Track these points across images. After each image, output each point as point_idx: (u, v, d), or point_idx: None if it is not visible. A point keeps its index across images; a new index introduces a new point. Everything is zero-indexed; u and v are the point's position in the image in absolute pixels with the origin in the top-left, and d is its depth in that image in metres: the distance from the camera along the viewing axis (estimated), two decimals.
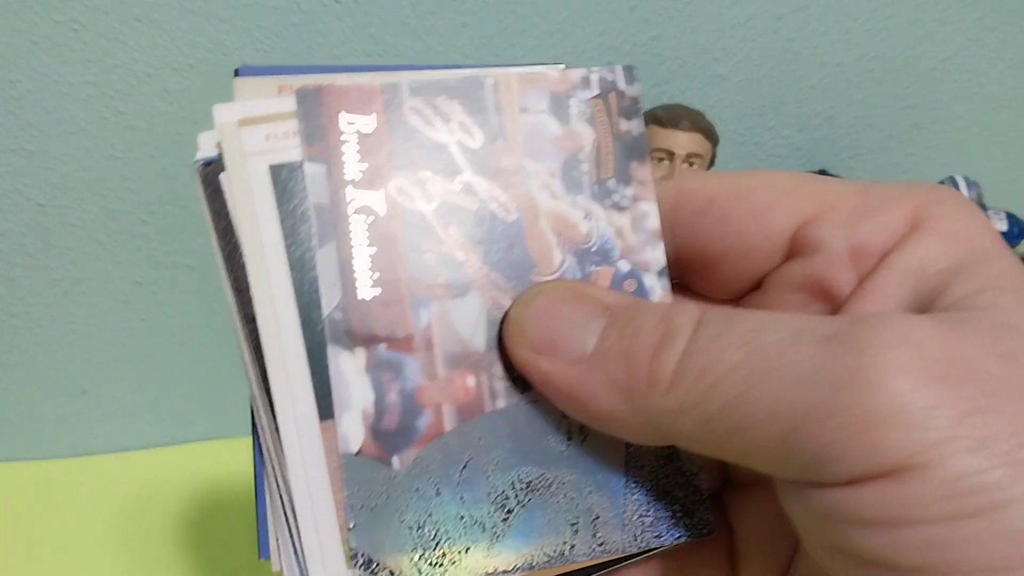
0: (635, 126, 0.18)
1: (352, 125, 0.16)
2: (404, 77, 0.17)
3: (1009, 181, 0.69)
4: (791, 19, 0.60)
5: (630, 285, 0.17)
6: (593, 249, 0.17)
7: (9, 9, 0.47)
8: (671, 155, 0.53)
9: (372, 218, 0.16)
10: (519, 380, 0.16)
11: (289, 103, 0.16)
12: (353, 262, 0.16)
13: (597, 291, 0.16)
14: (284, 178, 0.16)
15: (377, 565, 0.15)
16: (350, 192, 0.16)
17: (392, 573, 0.15)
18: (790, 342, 0.13)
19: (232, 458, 0.55)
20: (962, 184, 0.54)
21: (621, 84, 0.18)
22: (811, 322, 0.13)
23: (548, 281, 0.17)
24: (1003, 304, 0.13)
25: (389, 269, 0.16)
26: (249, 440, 0.17)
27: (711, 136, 0.55)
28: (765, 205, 0.16)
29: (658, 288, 0.18)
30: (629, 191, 0.18)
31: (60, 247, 0.52)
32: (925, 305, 0.14)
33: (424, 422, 0.16)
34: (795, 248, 0.16)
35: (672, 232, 0.18)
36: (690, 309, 0.15)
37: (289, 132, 0.16)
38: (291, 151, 0.16)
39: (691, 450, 0.15)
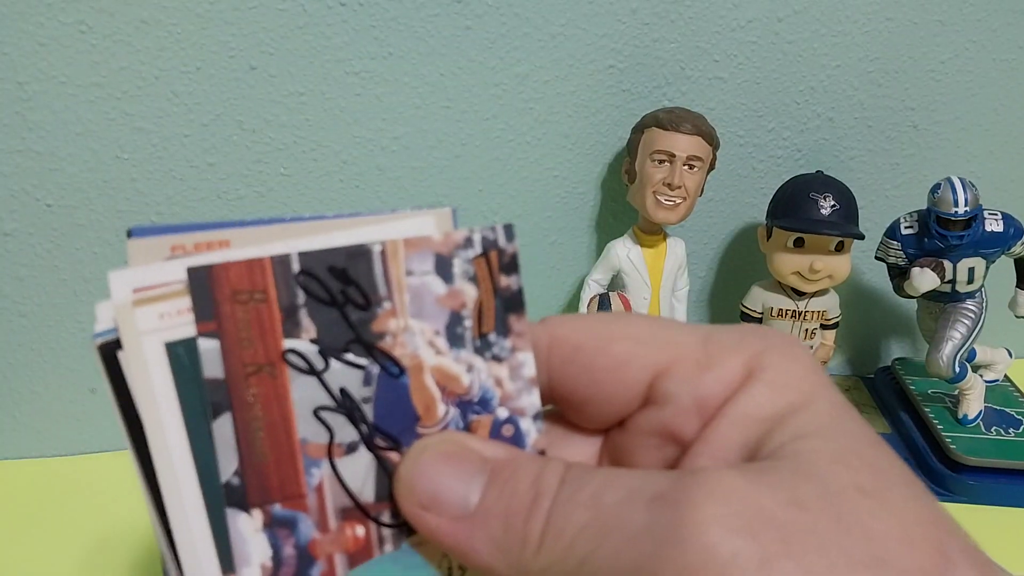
0: (513, 281, 0.19)
1: (246, 297, 0.17)
2: (293, 246, 0.18)
3: (1006, 182, 0.69)
4: (791, 21, 0.60)
5: (507, 430, 0.19)
6: (475, 400, 0.19)
7: (16, 11, 0.47)
8: (672, 157, 0.54)
9: (264, 387, 0.17)
10: (405, 525, 0.18)
11: (179, 273, 0.17)
12: (249, 430, 0.17)
13: (478, 444, 0.18)
14: (178, 354, 0.17)
15: None
16: (244, 363, 0.17)
17: None
18: (625, 502, 0.15)
19: None
20: (959, 185, 0.55)
21: (501, 242, 0.19)
22: (643, 481, 0.15)
23: (433, 436, 0.18)
24: (806, 451, 0.15)
25: (282, 434, 0.17)
26: None
27: (712, 140, 0.55)
28: (623, 358, 0.18)
29: (532, 431, 0.19)
30: (508, 343, 0.19)
31: (68, 247, 0.53)
32: (753, 450, 0.16)
33: (317, 571, 0.18)
34: (650, 397, 0.18)
35: (547, 373, 0.19)
36: (556, 468, 0.17)
37: (182, 309, 0.17)
38: (185, 327, 0.17)
39: None
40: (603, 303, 0.56)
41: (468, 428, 0.19)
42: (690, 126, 0.54)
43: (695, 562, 0.14)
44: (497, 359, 0.19)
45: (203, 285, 0.17)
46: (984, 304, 0.60)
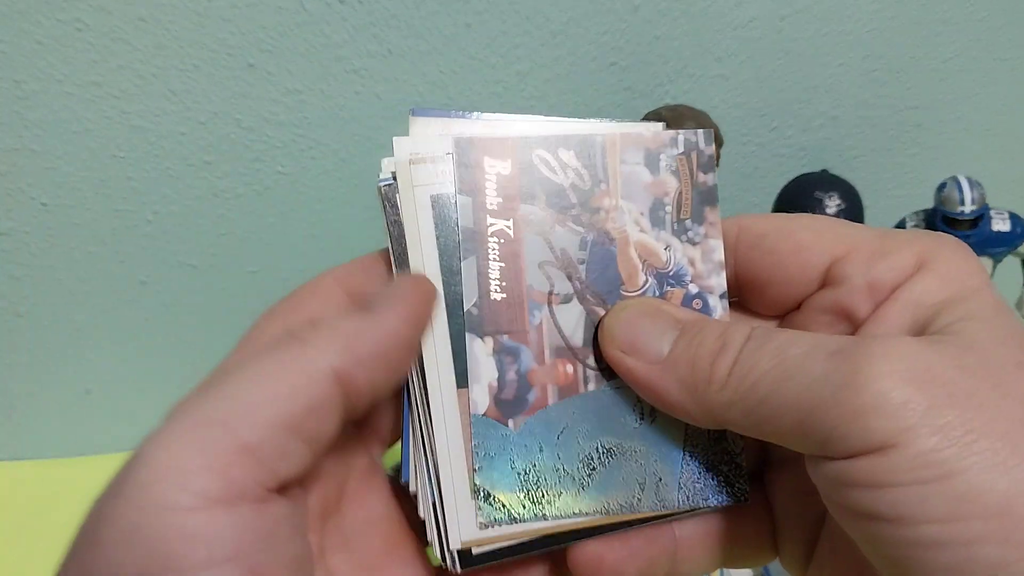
0: (710, 179, 0.23)
1: (493, 168, 0.22)
2: (535, 128, 0.22)
3: (1012, 181, 0.69)
4: (794, 20, 0.60)
5: (697, 304, 0.22)
6: (670, 273, 0.22)
7: (14, 9, 0.47)
8: None
9: (503, 240, 0.21)
10: (607, 371, 0.21)
11: (447, 145, 0.21)
12: (488, 272, 0.21)
13: (672, 308, 0.21)
14: (441, 205, 0.21)
15: (492, 497, 0.21)
16: (489, 219, 0.21)
17: (504, 504, 0.21)
18: (807, 355, 0.17)
19: None
20: (965, 184, 0.54)
21: (701, 144, 0.23)
22: (825, 340, 0.17)
23: (634, 297, 0.22)
24: (971, 331, 0.17)
25: (513, 279, 0.21)
26: None
27: (715, 137, 0.55)
28: (805, 243, 0.21)
29: (719, 308, 0.22)
30: (702, 230, 0.22)
31: (64, 247, 0.52)
32: (919, 330, 0.18)
33: (533, 396, 0.21)
34: (827, 280, 0.21)
35: (732, 260, 0.22)
36: (742, 328, 0.19)
37: (446, 171, 0.21)
38: (447, 185, 0.21)
39: (737, 432, 0.20)
40: None
41: (663, 297, 0.22)
42: (693, 124, 0.53)
43: (868, 405, 0.16)
44: (692, 242, 0.22)
45: (464, 152, 0.21)
46: None
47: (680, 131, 0.22)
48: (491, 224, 0.21)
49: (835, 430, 0.16)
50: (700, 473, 0.21)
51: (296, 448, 0.17)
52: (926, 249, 0.19)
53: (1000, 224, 0.56)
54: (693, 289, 0.22)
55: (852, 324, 0.20)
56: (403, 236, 0.21)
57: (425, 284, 0.20)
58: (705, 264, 0.22)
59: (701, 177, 0.23)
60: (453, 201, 0.21)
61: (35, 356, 0.55)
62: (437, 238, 0.21)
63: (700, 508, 0.21)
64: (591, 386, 0.22)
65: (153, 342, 0.56)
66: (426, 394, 0.21)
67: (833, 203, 0.56)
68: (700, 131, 0.22)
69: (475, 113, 0.22)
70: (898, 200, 0.67)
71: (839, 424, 0.16)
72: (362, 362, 0.18)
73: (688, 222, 0.22)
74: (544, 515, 0.21)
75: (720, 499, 0.21)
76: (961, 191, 0.54)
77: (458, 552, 0.20)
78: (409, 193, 0.21)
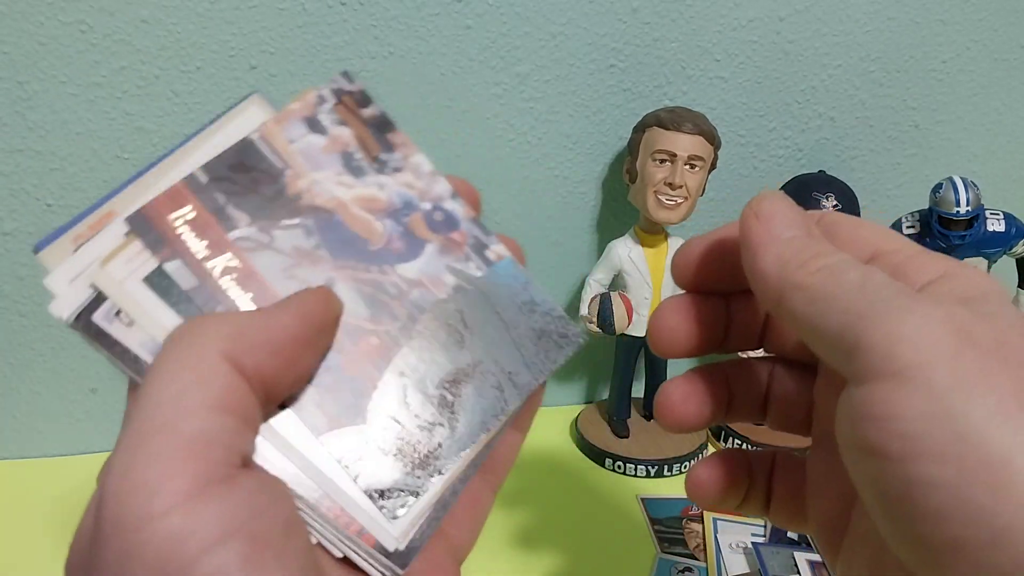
0: (374, 109, 0.23)
1: (179, 218, 0.21)
2: (183, 165, 0.21)
3: (1008, 182, 0.69)
4: (792, 21, 0.60)
5: (438, 216, 0.23)
6: (399, 207, 0.23)
7: (17, 10, 0.47)
8: (673, 157, 0.54)
9: (235, 273, 0.21)
10: (410, 314, 0.22)
11: (121, 228, 0.20)
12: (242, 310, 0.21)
13: (811, 219, 0.22)
14: (157, 282, 0.20)
15: (386, 493, 0.21)
16: (208, 265, 0.21)
17: (400, 490, 0.21)
18: (884, 285, 0.18)
19: None
20: (961, 185, 0.55)
21: (347, 87, 0.23)
22: (902, 285, 0.19)
23: (775, 193, 0.22)
24: (1004, 314, 0.18)
25: (270, 301, 0.20)
26: None
27: (713, 139, 0.55)
28: (858, 239, 0.22)
29: (458, 208, 0.23)
30: (397, 155, 0.23)
31: None
32: None
33: (360, 383, 0.21)
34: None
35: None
36: (830, 250, 0.21)
37: (140, 250, 0.20)
38: (150, 262, 0.20)
39: (788, 326, 0.21)
40: (604, 303, 0.56)
41: (408, 228, 0.23)
42: (691, 125, 0.54)
43: (904, 332, 0.17)
44: (397, 170, 0.23)
45: (143, 224, 0.21)
46: None
47: (320, 86, 0.23)
48: (213, 268, 0.21)
49: (865, 342, 0.17)
50: (537, 345, 0.23)
51: (235, 424, 0.18)
52: (950, 266, 0.21)
53: (995, 225, 0.56)
54: (427, 206, 0.23)
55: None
56: (126, 351, 0.20)
57: (322, 291, 0.21)
58: (421, 180, 0.23)
59: (365, 112, 0.23)
60: (165, 272, 0.20)
61: (40, 355, 0.55)
62: (177, 312, 0.20)
63: (554, 370, 0.23)
64: (403, 342, 0.22)
65: None
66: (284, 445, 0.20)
67: (830, 203, 0.56)
68: (337, 75, 0.23)
69: (93, 207, 0.21)
70: (895, 201, 0.67)
71: (872, 339, 0.17)
72: (251, 350, 0.18)
73: (381, 155, 0.23)
74: (439, 470, 0.21)
75: (566, 352, 0.23)
76: (957, 192, 0.54)
77: (393, 558, 0.20)
78: (120, 290, 0.20)
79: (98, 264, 0.20)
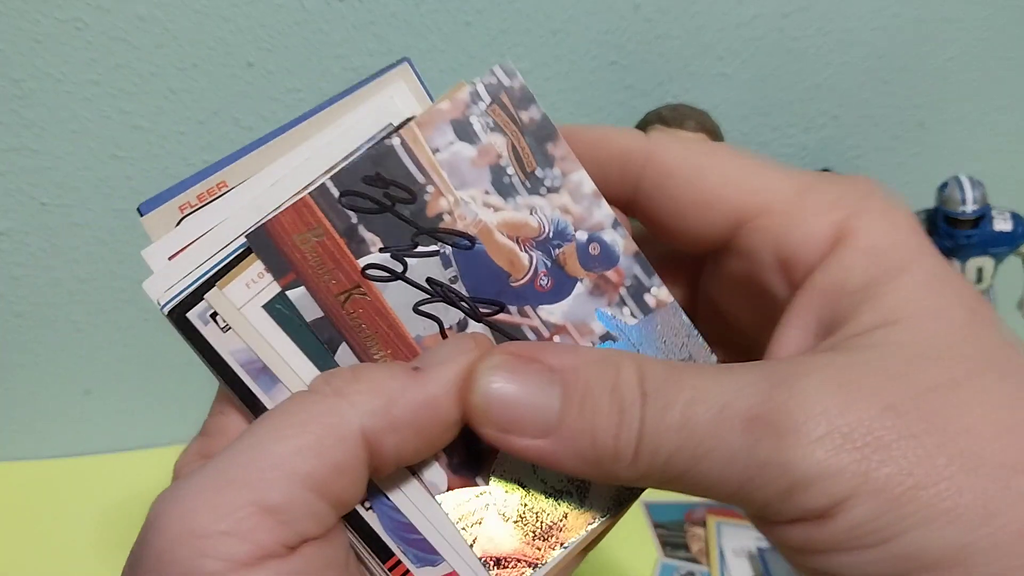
0: (534, 112, 0.20)
1: (305, 243, 0.18)
2: (307, 163, 0.18)
3: (1014, 181, 0.69)
4: (796, 18, 0.59)
5: (594, 249, 0.20)
6: (551, 235, 0.20)
7: (12, 8, 0.47)
8: None
9: (360, 308, 0.19)
10: None
11: (198, 228, 0.18)
12: (368, 348, 0.19)
13: (539, 352, 0.17)
14: (278, 310, 0.18)
15: (502, 562, 0.19)
16: (333, 296, 0.18)
17: (518, 560, 0.19)
18: (718, 422, 0.15)
19: None
20: (967, 184, 0.54)
21: (506, 81, 0.19)
22: (735, 395, 0.16)
23: (490, 356, 0.18)
24: (895, 344, 0.15)
25: (397, 341, 0.19)
26: None
27: (716, 136, 0.55)
28: (708, 198, 0.18)
29: (618, 239, 0.20)
30: (556, 171, 0.20)
31: (64, 246, 0.52)
32: (839, 324, 0.16)
33: (484, 441, 0.18)
34: (735, 245, 0.18)
35: (635, 189, 0.19)
36: (631, 377, 0.17)
37: (261, 271, 0.18)
38: (271, 287, 0.18)
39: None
40: None
41: (557, 262, 0.20)
42: (694, 123, 0.53)
43: (801, 481, 0.15)
44: (553, 190, 0.19)
45: (265, 244, 0.18)
46: (993, 304, 0.59)
47: (475, 80, 0.19)
48: (339, 298, 0.18)
49: (768, 506, 0.15)
50: None
51: (321, 509, 0.16)
52: (849, 214, 0.17)
53: (1002, 224, 0.56)
54: (582, 237, 0.20)
55: (770, 299, 0.18)
56: (216, 356, 0.18)
57: (482, 345, 0.18)
58: (580, 203, 0.20)
59: (525, 116, 0.19)
60: (286, 299, 0.18)
61: (35, 356, 0.54)
62: (297, 345, 0.18)
63: None
64: None
65: (153, 342, 0.56)
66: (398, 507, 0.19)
67: None
68: (496, 67, 0.19)
69: (204, 173, 0.18)
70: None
71: (771, 501, 0.15)
72: (395, 428, 0.16)
73: (538, 171, 0.19)
74: (561, 543, 0.19)
75: None
76: (963, 191, 0.54)
77: None
78: (239, 317, 0.18)
79: (217, 290, 0.18)
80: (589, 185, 0.20)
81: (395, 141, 0.19)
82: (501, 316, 0.19)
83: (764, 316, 0.18)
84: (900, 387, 0.15)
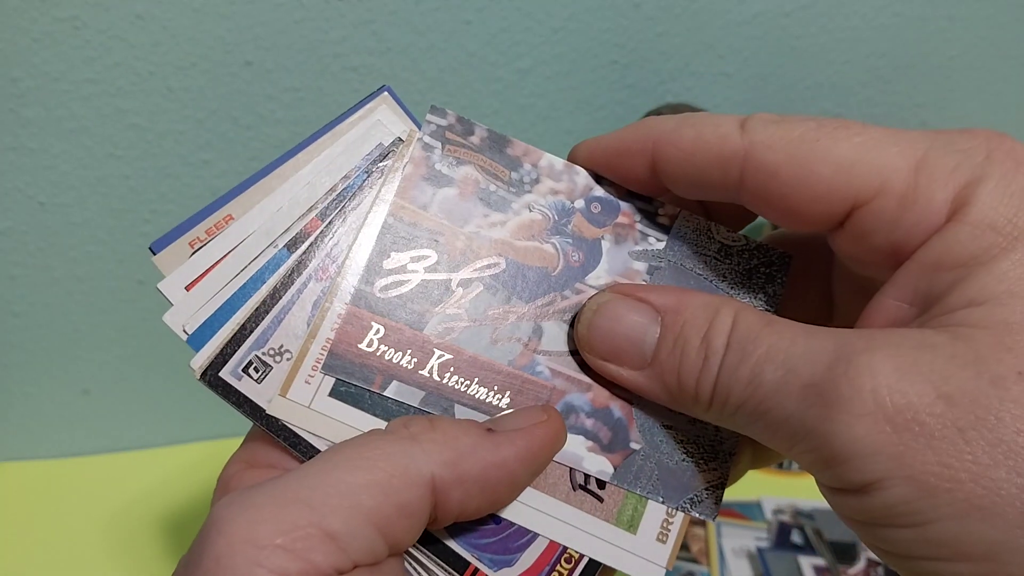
0: (479, 131, 0.22)
1: (373, 342, 0.20)
2: (315, 169, 0.20)
3: None
4: (798, 16, 0.59)
5: (596, 207, 0.22)
6: (557, 218, 0.22)
7: (10, 6, 0.47)
8: None
9: (452, 367, 0.20)
10: None
11: (207, 259, 0.20)
12: (478, 397, 0.20)
13: (647, 292, 0.19)
14: (343, 391, 0.20)
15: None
16: (425, 373, 0.20)
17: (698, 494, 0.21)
18: (780, 385, 0.16)
19: None
20: None
21: (443, 121, 0.22)
22: (802, 359, 0.16)
23: (602, 293, 0.20)
24: (974, 325, 0.15)
25: (496, 376, 0.20)
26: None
27: None
28: (818, 193, 0.17)
29: (610, 189, 0.22)
30: (526, 167, 0.22)
31: (62, 246, 0.52)
32: (930, 302, 0.16)
33: (623, 418, 0.21)
34: (848, 225, 0.18)
35: (738, 191, 0.19)
36: (723, 324, 0.17)
37: (314, 364, 0.20)
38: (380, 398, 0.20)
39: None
40: None
41: (576, 235, 0.21)
42: None
43: (840, 455, 0.15)
44: (535, 182, 0.22)
45: (342, 366, 0.20)
46: None
47: (418, 133, 0.21)
48: (431, 373, 0.20)
49: (813, 469, 0.16)
50: (747, 285, 0.21)
51: (378, 544, 0.16)
52: (967, 183, 0.16)
53: None
54: (580, 204, 0.22)
55: (872, 280, 0.19)
56: (256, 408, 0.20)
57: (555, 424, 0.19)
58: (561, 180, 0.22)
59: (475, 139, 0.22)
60: (395, 403, 0.20)
61: (33, 356, 0.54)
62: (376, 416, 0.20)
63: (780, 299, 0.22)
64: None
65: (151, 342, 0.56)
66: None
67: None
68: (428, 115, 0.21)
69: (210, 209, 0.21)
70: None
71: (815, 467, 0.16)
72: (462, 482, 0.17)
73: (512, 175, 0.22)
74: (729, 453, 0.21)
75: (779, 280, 0.21)
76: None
77: None
78: (312, 416, 0.19)
79: (279, 397, 0.19)
80: (558, 161, 0.22)
81: (390, 220, 0.21)
82: (562, 304, 0.21)
83: (866, 294, 0.18)
84: (963, 375, 0.15)
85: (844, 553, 0.51)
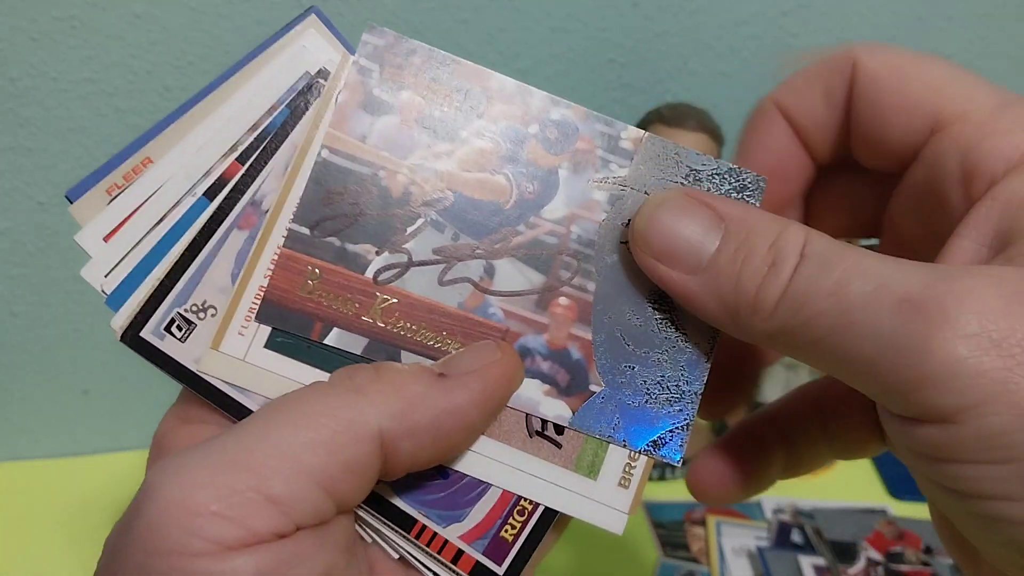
0: (422, 51, 0.20)
1: (309, 287, 0.19)
2: (239, 102, 0.19)
3: None
4: (795, 15, 0.59)
5: (551, 132, 0.20)
6: (508, 145, 0.20)
7: (8, 6, 0.47)
8: None
9: (397, 312, 0.19)
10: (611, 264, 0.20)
11: (128, 204, 0.18)
12: (428, 343, 0.19)
13: (713, 200, 0.18)
14: (280, 341, 0.19)
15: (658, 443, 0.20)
16: (367, 319, 0.19)
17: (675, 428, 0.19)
18: (871, 299, 0.15)
19: None
20: None
21: (380, 42, 0.20)
22: (893, 275, 0.15)
23: (668, 191, 0.18)
24: None
25: (445, 319, 0.19)
26: None
27: (716, 136, 0.54)
28: (909, 104, 0.18)
29: (566, 112, 0.20)
30: (474, 89, 0.20)
31: (61, 246, 0.52)
32: (1013, 239, 0.16)
33: (576, 358, 0.20)
34: (924, 153, 0.18)
35: (844, 99, 0.19)
36: (797, 235, 0.16)
37: (247, 315, 0.19)
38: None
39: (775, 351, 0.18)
40: None
41: (530, 164, 0.20)
42: (694, 123, 0.53)
43: (937, 374, 0.14)
44: (482, 106, 0.20)
45: (277, 313, 0.18)
46: None
47: (353, 56, 0.19)
48: (373, 318, 0.19)
49: (896, 394, 0.15)
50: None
51: (324, 504, 0.16)
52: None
53: None
54: (535, 129, 0.20)
55: (945, 215, 0.18)
56: (181, 368, 0.19)
57: (510, 361, 0.18)
58: (512, 103, 0.20)
59: (416, 60, 0.20)
60: (328, 350, 0.19)
61: (32, 356, 0.54)
62: (316, 367, 0.19)
63: None
64: (590, 288, 0.20)
65: None
66: None
67: None
68: (364, 35, 0.20)
69: (126, 152, 0.19)
70: None
71: (902, 388, 0.14)
72: (414, 433, 0.16)
73: (457, 99, 0.20)
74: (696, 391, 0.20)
75: (754, 203, 0.20)
76: None
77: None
78: (248, 369, 0.18)
79: (211, 351, 0.18)
80: (510, 83, 0.20)
81: (324, 154, 0.19)
82: (516, 240, 0.19)
83: (937, 232, 0.18)
84: None
85: (844, 553, 0.51)
